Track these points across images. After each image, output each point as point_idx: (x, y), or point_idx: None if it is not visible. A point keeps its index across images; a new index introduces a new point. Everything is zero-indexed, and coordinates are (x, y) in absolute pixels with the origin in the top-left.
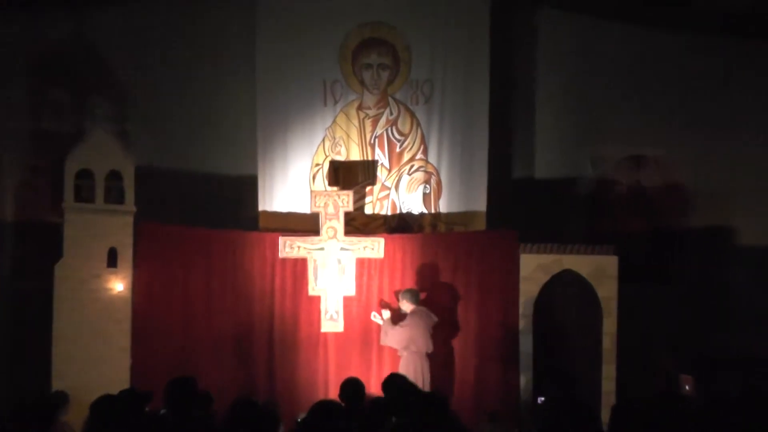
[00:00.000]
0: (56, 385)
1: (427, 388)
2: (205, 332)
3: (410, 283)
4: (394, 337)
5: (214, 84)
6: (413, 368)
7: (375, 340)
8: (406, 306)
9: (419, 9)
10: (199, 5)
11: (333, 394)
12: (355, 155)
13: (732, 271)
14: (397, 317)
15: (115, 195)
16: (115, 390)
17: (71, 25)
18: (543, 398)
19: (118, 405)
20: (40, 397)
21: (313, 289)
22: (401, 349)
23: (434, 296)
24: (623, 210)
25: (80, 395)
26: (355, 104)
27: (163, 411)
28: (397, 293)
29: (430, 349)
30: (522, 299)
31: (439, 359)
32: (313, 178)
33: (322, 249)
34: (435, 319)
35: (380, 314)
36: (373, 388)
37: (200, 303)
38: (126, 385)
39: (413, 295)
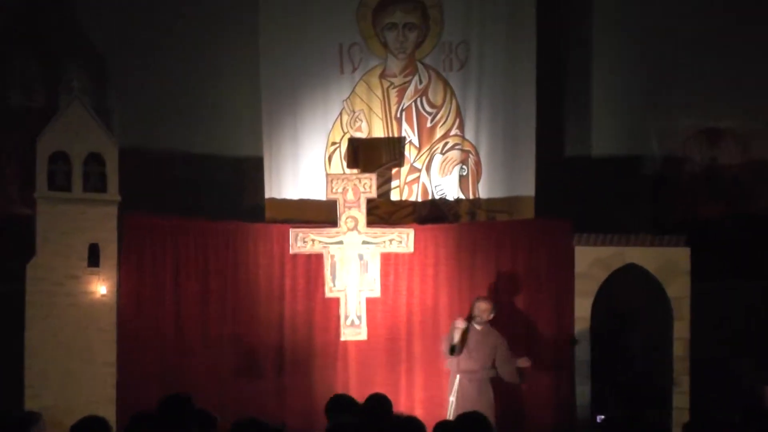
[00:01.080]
0: (29, 405)
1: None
2: (202, 342)
3: (444, 281)
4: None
5: (210, 50)
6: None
7: (404, 348)
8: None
9: None
10: None
11: None
12: (379, 131)
13: None
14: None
15: (95, 182)
16: (98, 411)
17: None
18: (603, 416)
19: (103, 428)
20: (6, 418)
21: (330, 290)
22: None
23: (473, 297)
24: (697, 193)
25: (58, 417)
26: (378, 71)
27: None
28: (481, 301)
29: None
30: (577, 299)
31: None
32: (329, 159)
33: (340, 243)
34: None
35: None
36: (403, 406)
37: (197, 308)
38: (111, 406)
39: None
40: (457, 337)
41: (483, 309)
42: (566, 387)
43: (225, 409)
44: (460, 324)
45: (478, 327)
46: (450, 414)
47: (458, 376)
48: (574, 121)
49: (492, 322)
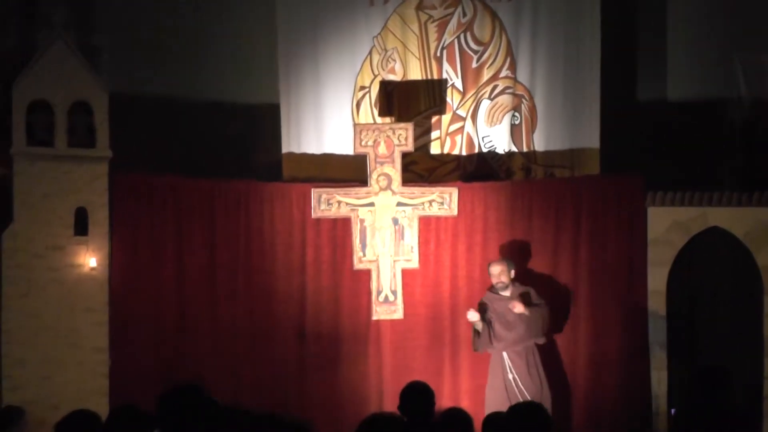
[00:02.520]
0: (8, 398)
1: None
2: (210, 324)
3: (494, 249)
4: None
5: None
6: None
7: (448, 329)
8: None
9: None
10: None
11: (390, 405)
12: (415, 73)
13: None
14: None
15: (82, 135)
16: (87, 405)
17: None
18: (675, 410)
19: (96, 426)
20: None
21: (359, 261)
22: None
23: (529, 267)
24: None
25: (41, 413)
26: (414, 2)
27: None
28: (492, 265)
29: None
30: (651, 270)
31: (539, 355)
32: (357, 106)
33: (371, 205)
34: None
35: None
36: (446, 398)
37: (203, 283)
38: (102, 399)
39: None
40: (479, 327)
41: (496, 273)
42: (640, 373)
43: (240, 401)
44: (473, 317)
45: (504, 294)
46: (509, 397)
47: (505, 354)
48: (647, 59)
49: (542, 297)
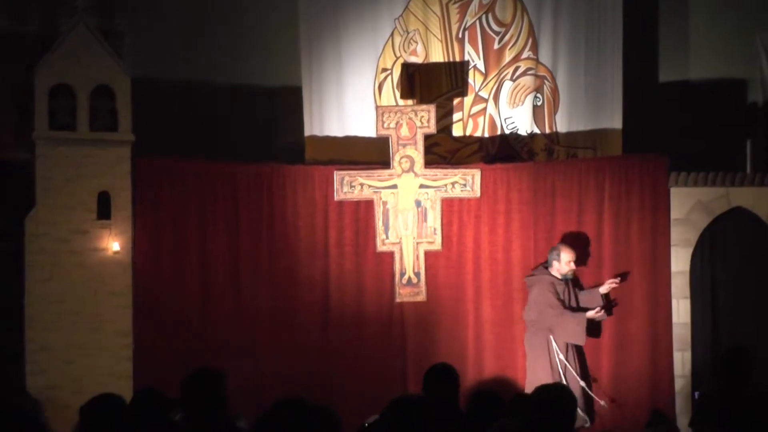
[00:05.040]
0: (32, 383)
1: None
2: (232, 307)
3: (517, 230)
4: None
5: None
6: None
7: (471, 311)
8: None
9: None
10: None
11: (414, 388)
12: (437, 55)
13: None
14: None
15: (104, 119)
16: (111, 389)
17: None
18: (698, 393)
19: (121, 410)
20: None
21: (382, 244)
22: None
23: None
24: None
25: (65, 397)
26: None
27: (179, 416)
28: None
29: None
30: (675, 250)
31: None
32: (380, 88)
33: (394, 187)
34: None
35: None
36: (470, 380)
37: (226, 266)
38: (126, 383)
39: None
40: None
41: (570, 260)
42: (663, 354)
43: (263, 386)
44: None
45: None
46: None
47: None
48: (669, 39)
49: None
